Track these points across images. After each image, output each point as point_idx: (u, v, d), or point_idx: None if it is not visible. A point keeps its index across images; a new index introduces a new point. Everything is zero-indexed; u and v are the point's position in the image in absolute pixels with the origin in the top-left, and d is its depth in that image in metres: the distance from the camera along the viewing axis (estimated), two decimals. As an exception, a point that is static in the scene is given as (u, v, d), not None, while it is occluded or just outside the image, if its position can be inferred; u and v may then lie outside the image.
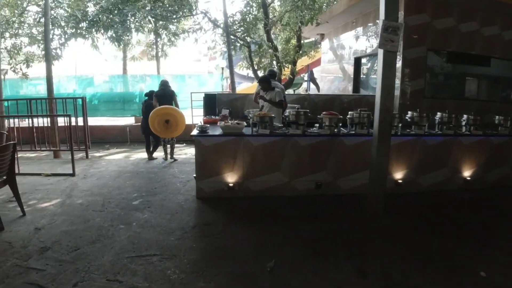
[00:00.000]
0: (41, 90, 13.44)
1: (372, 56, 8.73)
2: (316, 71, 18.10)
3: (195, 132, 5.20)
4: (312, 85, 18.73)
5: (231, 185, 5.21)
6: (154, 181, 6.20)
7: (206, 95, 7.28)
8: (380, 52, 4.52)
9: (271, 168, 5.27)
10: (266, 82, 6.52)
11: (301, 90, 18.79)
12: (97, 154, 10.32)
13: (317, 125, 5.52)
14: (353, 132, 5.38)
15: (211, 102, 7.29)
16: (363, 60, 9.33)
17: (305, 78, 19.47)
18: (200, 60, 29.62)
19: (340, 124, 5.44)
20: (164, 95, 8.37)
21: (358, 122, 5.44)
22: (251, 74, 11.22)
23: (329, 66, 11.28)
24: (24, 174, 6.65)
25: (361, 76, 9.41)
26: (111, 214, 4.75)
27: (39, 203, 5.21)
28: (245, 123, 5.31)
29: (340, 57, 10.43)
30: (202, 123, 6.03)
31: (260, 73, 10.35)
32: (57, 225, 4.41)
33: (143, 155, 10.17)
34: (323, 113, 5.37)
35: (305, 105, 7.49)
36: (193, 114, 11.84)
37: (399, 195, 5.55)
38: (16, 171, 5.69)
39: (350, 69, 9.82)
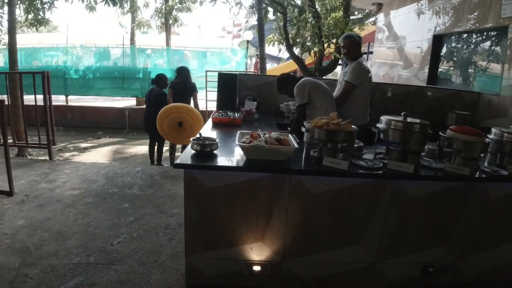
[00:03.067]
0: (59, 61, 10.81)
1: (470, 33, 5.66)
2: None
3: (187, 156, 2.38)
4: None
5: (257, 267, 2.41)
6: (122, 221, 3.45)
7: (221, 76, 4.31)
8: None
9: (343, 238, 2.42)
10: (281, 88, 3.73)
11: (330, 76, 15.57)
12: (83, 145, 7.69)
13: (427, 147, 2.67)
14: (506, 173, 2.49)
15: (229, 88, 4.34)
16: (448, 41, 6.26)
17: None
18: (223, 37, 26.53)
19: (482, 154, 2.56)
20: (184, 88, 5.78)
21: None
22: (284, 51, 8.21)
23: (386, 48, 8.18)
24: None
25: (441, 62, 6.36)
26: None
27: None
28: (293, 141, 2.46)
29: (405, 37, 7.34)
30: (207, 131, 3.23)
31: (297, 50, 7.42)
32: None
33: (139, 150, 7.49)
34: (451, 128, 2.48)
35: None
36: (207, 99, 9.01)
37: None
38: None
39: (417, 53, 6.77)
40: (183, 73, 5.88)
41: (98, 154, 7.05)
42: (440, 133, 2.50)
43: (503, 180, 2.43)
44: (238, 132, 2.56)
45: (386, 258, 2.50)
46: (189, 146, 2.42)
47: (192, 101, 5.85)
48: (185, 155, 2.31)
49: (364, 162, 2.32)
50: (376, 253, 2.48)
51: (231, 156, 2.38)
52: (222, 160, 2.30)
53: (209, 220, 2.33)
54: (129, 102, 10.07)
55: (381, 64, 8.22)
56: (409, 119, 2.35)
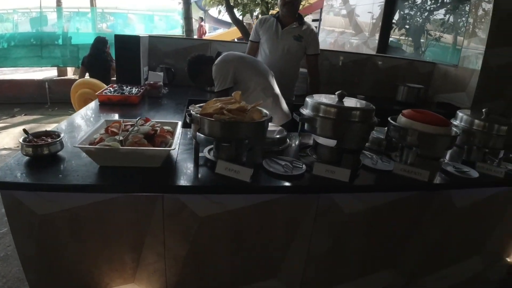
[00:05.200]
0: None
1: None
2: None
3: (9, 165, 1.42)
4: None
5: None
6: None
7: (118, 40, 3.08)
8: None
9: (253, 271, 1.67)
10: (195, 75, 2.72)
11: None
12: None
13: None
14: (476, 175, 1.83)
15: (131, 55, 3.12)
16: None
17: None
18: (173, -2, 24.43)
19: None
20: (96, 63, 4.86)
21: (491, 146, 1.92)
22: (224, 13, 7.13)
23: (336, 13, 7.41)
24: None
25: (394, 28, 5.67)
26: None
27: None
28: (178, 136, 1.65)
29: (356, 1, 6.58)
30: (92, 113, 2.34)
31: (239, 14, 6.47)
32: None
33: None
34: (404, 113, 1.77)
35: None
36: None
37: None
38: None
39: (368, 19, 6.05)
40: (94, 45, 4.90)
41: (8, 136, 5.88)
42: (389, 119, 1.78)
43: (473, 185, 1.77)
44: (103, 121, 1.71)
45: (313, 291, 1.82)
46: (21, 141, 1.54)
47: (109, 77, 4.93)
48: (8, 165, 1.42)
49: (280, 165, 1.56)
50: (300, 286, 1.77)
51: (81, 161, 1.53)
52: (67, 170, 1.43)
53: (51, 258, 1.50)
54: (51, 72, 8.71)
55: (330, 31, 7.46)
56: (347, 102, 1.59)
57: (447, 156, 2.04)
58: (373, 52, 5.54)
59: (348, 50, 6.32)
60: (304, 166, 1.57)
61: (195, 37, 11.40)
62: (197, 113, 1.43)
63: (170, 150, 1.41)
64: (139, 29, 12.90)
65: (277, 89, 2.60)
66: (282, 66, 2.97)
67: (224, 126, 1.38)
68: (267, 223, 1.55)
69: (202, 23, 12.28)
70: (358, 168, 1.64)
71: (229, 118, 1.36)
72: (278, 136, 1.85)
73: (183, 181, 1.39)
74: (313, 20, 11.45)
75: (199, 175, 1.45)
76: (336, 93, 1.60)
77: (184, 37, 5.91)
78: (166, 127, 1.66)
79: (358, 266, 1.83)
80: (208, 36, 13.27)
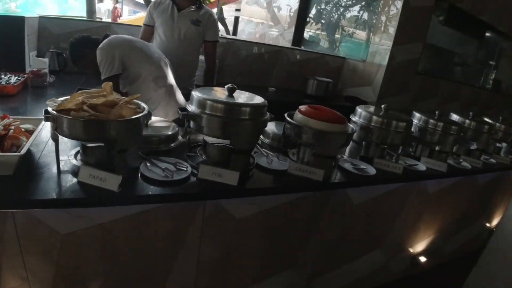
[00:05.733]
0: None
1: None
2: (228, 10, 13.65)
3: None
4: (220, 26, 14.37)
5: None
6: None
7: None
8: None
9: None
10: (78, 58, 2.33)
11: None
12: None
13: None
14: (374, 172, 1.82)
15: (14, 37, 2.65)
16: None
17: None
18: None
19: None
20: None
21: (389, 143, 1.92)
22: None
23: (254, 5, 7.32)
24: None
25: (310, 22, 5.71)
26: None
27: None
28: (30, 138, 1.35)
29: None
30: None
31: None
32: None
33: None
34: (301, 109, 1.69)
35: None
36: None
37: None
38: None
39: (286, 11, 6.04)
40: None
41: None
42: (285, 116, 1.69)
43: (369, 183, 1.76)
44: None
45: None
46: None
47: None
48: None
49: (161, 168, 1.38)
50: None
51: None
52: None
53: None
54: None
55: (249, 21, 7.39)
56: (240, 97, 1.45)
57: (346, 152, 2.03)
58: (289, 44, 5.54)
59: (268, 41, 6.27)
60: (189, 168, 1.41)
61: (109, 20, 10.59)
62: (53, 110, 1.19)
63: (17, 155, 1.15)
64: (52, 10, 12.00)
65: (171, 79, 2.39)
66: (180, 53, 2.77)
67: (84, 125, 1.15)
68: (145, 235, 1.36)
69: (117, 5, 11.40)
70: (251, 169, 1.53)
71: (88, 116, 1.14)
72: (169, 132, 1.66)
73: (35, 194, 1.13)
74: (236, 10, 11.25)
75: (59, 185, 1.21)
76: (226, 86, 1.46)
77: (79, 18, 5.40)
78: (25, 126, 1.38)
79: (256, 271, 1.73)
80: (125, 19, 12.39)
